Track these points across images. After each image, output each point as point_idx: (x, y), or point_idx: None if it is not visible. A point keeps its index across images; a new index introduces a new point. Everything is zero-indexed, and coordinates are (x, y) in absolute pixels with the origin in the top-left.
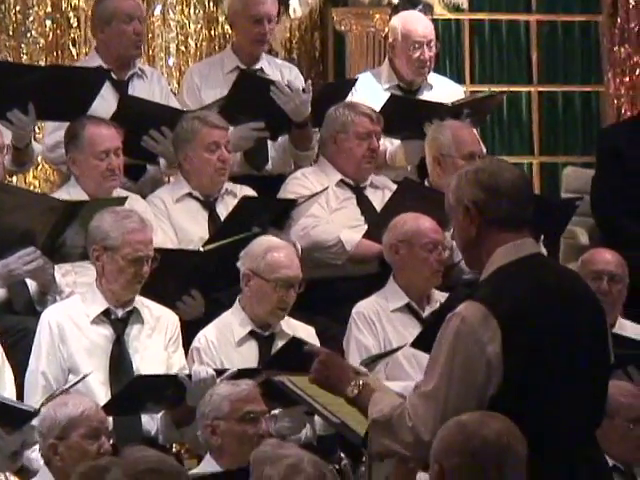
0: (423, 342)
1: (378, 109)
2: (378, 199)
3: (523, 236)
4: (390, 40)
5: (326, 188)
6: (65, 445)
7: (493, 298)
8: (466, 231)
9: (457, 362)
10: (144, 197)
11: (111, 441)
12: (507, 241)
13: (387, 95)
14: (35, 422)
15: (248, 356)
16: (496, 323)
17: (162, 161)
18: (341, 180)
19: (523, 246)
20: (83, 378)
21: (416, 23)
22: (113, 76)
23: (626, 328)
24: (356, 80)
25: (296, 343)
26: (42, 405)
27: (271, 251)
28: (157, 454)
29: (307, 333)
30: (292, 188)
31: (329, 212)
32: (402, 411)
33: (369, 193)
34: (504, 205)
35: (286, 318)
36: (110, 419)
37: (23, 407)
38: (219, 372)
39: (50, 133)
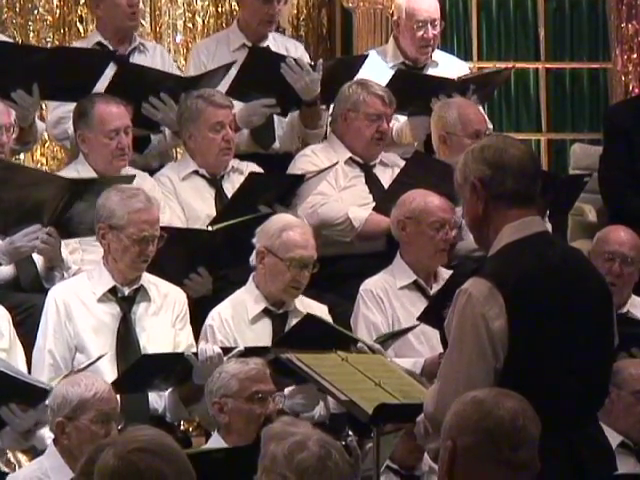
0: (429, 316)
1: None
2: (387, 177)
3: (530, 213)
4: (395, 18)
5: (335, 163)
6: (73, 426)
7: (499, 274)
8: (473, 208)
9: (466, 338)
10: (150, 170)
11: (120, 426)
12: (514, 218)
13: (392, 73)
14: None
15: (262, 334)
16: (502, 298)
17: (167, 131)
18: (350, 158)
19: (530, 224)
20: (98, 359)
21: (421, 2)
22: (111, 48)
23: (638, 306)
24: (367, 56)
25: (310, 320)
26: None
27: (287, 230)
28: (153, 433)
29: (320, 311)
30: (301, 165)
31: (338, 190)
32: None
33: (378, 171)
34: (509, 181)
35: (300, 296)
36: (117, 397)
37: (38, 385)
38: (226, 350)
39: (53, 110)
